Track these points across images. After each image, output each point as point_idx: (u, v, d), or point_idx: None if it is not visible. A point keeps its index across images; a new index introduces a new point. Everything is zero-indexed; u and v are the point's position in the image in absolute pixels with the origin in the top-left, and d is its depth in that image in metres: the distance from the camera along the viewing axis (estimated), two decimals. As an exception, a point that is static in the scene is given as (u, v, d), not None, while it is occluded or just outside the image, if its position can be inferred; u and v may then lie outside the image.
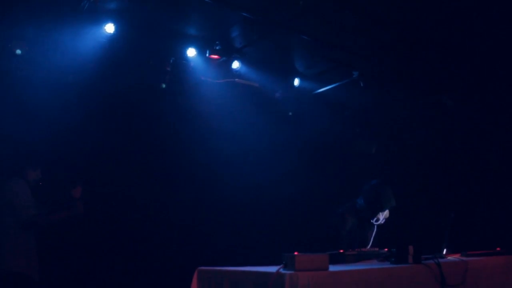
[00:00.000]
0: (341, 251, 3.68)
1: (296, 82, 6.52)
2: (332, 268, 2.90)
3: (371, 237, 4.48)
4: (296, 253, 2.68)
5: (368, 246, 4.39)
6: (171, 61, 5.62)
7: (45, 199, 4.28)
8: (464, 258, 3.75)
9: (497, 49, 5.55)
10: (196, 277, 3.25)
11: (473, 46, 5.56)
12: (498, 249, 4.05)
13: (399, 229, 4.33)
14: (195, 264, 3.33)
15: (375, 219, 4.46)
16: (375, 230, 4.55)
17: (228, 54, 5.77)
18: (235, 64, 5.93)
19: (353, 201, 4.60)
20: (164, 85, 5.61)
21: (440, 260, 3.45)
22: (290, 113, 6.77)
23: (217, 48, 5.60)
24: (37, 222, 4.10)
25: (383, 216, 4.48)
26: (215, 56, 5.66)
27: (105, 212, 5.06)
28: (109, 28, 5.08)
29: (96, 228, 5.00)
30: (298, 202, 6.16)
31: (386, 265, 3.27)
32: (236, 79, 6.07)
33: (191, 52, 5.66)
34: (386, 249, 3.79)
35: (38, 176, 4.28)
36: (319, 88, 6.74)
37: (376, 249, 3.94)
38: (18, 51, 4.68)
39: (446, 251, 3.97)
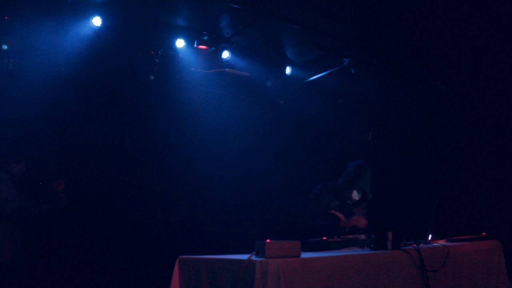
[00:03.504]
0: (324, 238, 3.69)
1: (288, 70, 6.49)
2: (307, 255, 2.92)
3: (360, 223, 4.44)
4: (268, 240, 2.70)
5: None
6: (159, 52, 5.62)
7: (29, 192, 4.33)
8: (448, 244, 3.76)
9: (489, 32, 5.48)
10: (177, 265, 3.30)
11: (464, 29, 5.49)
12: (483, 234, 4.04)
13: (379, 215, 4.32)
14: (177, 253, 3.38)
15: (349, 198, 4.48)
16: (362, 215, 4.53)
17: (217, 44, 5.76)
18: (225, 54, 5.92)
19: (334, 180, 4.64)
20: (152, 77, 5.62)
21: (423, 245, 3.47)
22: (282, 102, 6.75)
23: (205, 38, 5.58)
24: (21, 215, 4.15)
25: (354, 196, 4.49)
26: (204, 47, 5.64)
27: (88, 203, 5.10)
28: (96, 21, 5.09)
29: (79, 219, 5.03)
30: (290, 191, 6.17)
31: (365, 251, 3.28)
32: (226, 69, 6.05)
33: (179, 43, 5.65)
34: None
35: (22, 169, 4.33)
36: (311, 76, 6.71)
37: (362, 235, 3.94)
38: (4, 47, 4.70)
39: (432, 237, 3.98)
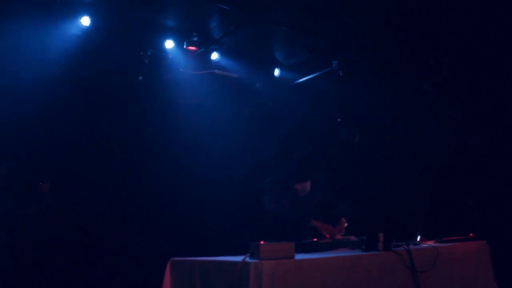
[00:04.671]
0: (315, 239, 3.71)
1: (276, 72, 6.52)
2: (300, 256, 2.93)
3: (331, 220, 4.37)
4: (262, 242, 2.71)
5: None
6: (148, 53, 5.60)
7: (14, 195, 4.27)
8: (437, 244, 3.82)
9: (477, 35, 5.56)
10: (169, 267, 3.29)
11: (452, 32, 5.57)
12: (471, 234, 4.11)
13: (370, 217, 4.36)
14: (168, 255, 3.36)
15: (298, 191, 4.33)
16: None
17: (206, 45, 5.76)
18: (214, 55, 5.92)
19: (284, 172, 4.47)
20: (141, 78, 5.60)
21: (412, 246, 3.51)
22: (271, 104, 6.77)
23: (195, 39, 5.58)
24: (5, 219, 4.08)
25: (304, 187, 4.38)
26: (193, 48, 5.65)
27: (75, 206, 5.02)
28: (85, 21, 5.06)
29: (66, 222, 4.95)
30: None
31: (356, 252, 3.31)
32: (215, 70, 6.06)
33: (169, 44, 5.64)
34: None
35: (3, 172, 4.25)
36: (300, 78, 6.74)
37: (352, 237, 3.97)
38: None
39: (421, 238, 4.03)
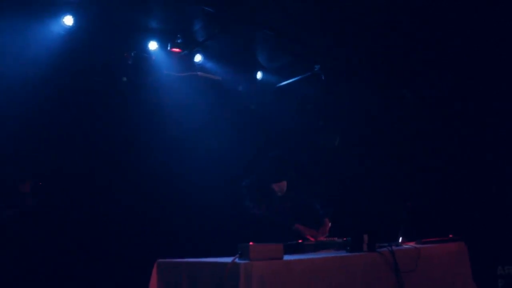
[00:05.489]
0: (300, 241, 3.76)
1: (259, 75, 6.56)
2: (287, 257, 2.97)
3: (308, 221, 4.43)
4: (251, 243, 2.74)
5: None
6: (132, 54, 5.57)
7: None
8: (418, 246, 3.90)
9: (454, 43, 5.71)
10: (155, 269, 3.28)
11: (432, 39, 5.72)
12: (450, 236, 4.22)
13: (353, 219, 4.43)
14: (155, 256, 3.34)
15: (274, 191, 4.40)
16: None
17: (190, 47, 5.77)
18: (197, 58, 5.94)
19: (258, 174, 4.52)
20: (125, 79, 5.57)
21: (395, 247, 3.59)
22: (253, 107, 6.81)
23: (179, 41, 5.58)
24: None
25: (281, 187, 4.47)
26: (177, 50, 5.65)
27: (58, 206, 4.95)
28: (68, 20, 5.00)
29: (48, 222, 4.88)
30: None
31: (342, 253, 3.36)
32: (199, 73, 6.07)
33: (152, 45, 5.63)
34: (345, 239, 3.87)
35: None
36: (282, 81, 6.80)
37: (335, 238, 4.03)
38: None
39: (402, 239, 4.12)
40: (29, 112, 4.83)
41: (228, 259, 2.78)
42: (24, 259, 4.61)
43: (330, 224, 4.43)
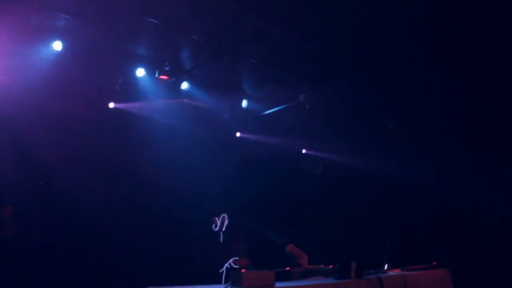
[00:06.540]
0: (288, 268, 3.77)
1: (244, 103, 6.65)
2: (278, 284, 2.98)
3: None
4: (243, 270, 2.75)
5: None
6: (119, 80, 5.60)
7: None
8: (404, 272, 3.96)
9: (435, 74, 5.90)
10: (144, 296, 3.24)
11: (411, 71, 5.90)
12: (434, 263, 4.29)
13: (342, 247, 4.48)
14: (143, 283, 3.30)
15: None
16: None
17: (177, 75, 5.83)
18: (184, 85, 5.99)
19: None
20: (112, 104, 5.57)
21: (381, 274, 3.63)
22: (238, 134, 6.87)
23: (167, 69, 5.63)
24: None
25: (219, 221, 4.53)
26: (164, 77, 5.69)
27: (40, 232, 4.86)
28: (57, 45, 5.02)
29: (29, 248, 4.79)
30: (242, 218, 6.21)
31: (331, 280, 3.39)
32: (185, 100, 6.12)
33: (140, 72, 5.67)
34: (331, 266, 3.90)
35: None
36: (267, 110, 6.89)
37: (322, 265, 4.05)
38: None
39: (387, 266, 4.17)
40: (11, 135, 4.78)
41: (219, 287, 2.79)
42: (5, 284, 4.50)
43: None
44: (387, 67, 5.87)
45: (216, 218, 4.36)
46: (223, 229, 4.39)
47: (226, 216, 4.39)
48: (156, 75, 5.64)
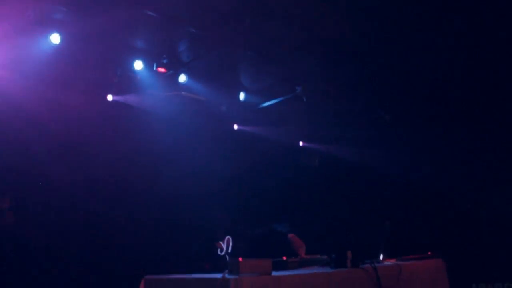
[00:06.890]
0: (284, 258, 3.82)
1: (242, 96, 6.68)
2: (275, 273, 3.04)
3: None
4: (240, 258, 2.80)
5: None
6: (117, 73, 5.62)
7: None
8: (399, 262, 4.02)
9: (431, 64, 5.93)
10: (143, 286, 3.29)
11: (409, 63, 5.93)
12: (429, 253, 4.35)
13: (338, 236, 4.54)
14: (141, 273, 3.36)
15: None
16: None
17: (175, 67, 5.84)
18: (182, 78, 6.01)
19: None
20: (111, 97, 5.60)
21: (377, 264, 3.69)
22: (236, 127, 6.91)
23: (164, 61, 5.66)
24: None
25: (224, 245, 4.56)
26: (162, 70, 5.71)
27: (38, 222, 4.89)
28: (55, 38, 5.03)
29: (27, 239, 4.82)
30: (242, 214, 6.25)
31: (327, 269, 3.45)
32: (183, 92, 6.15)
33: (138, 64, 5.69)
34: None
35: None
36: (264, 102, 6.93)
37: (318, 256, 4.11)
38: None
39: (383, 257, 4.23)
40: (9, 127, 4.81)
41: (217, 275, 2.84)
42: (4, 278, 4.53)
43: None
44: (385, 59, 5.90)
45: (221, 243, 4.40)
46: (229, 251, 4.44)
47: (231, 239, 4.46)
48: (154, 68, 5.66)
